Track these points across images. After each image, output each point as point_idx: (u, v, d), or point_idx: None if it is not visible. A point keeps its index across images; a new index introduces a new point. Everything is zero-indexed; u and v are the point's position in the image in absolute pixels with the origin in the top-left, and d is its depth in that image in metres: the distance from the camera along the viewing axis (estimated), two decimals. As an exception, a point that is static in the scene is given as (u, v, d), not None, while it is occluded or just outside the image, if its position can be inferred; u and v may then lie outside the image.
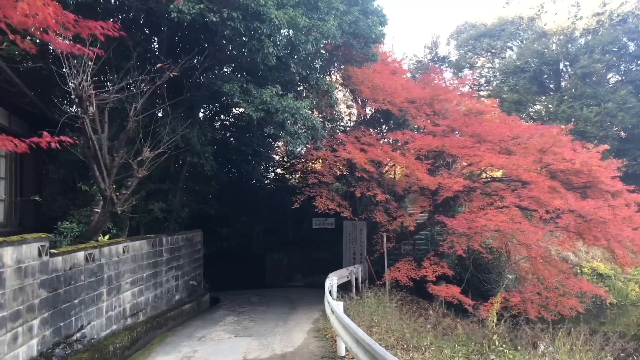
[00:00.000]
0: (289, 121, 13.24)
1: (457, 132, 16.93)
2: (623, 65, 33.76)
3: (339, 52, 16.48)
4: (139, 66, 12.61)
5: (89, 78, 10.98)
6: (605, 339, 13.32)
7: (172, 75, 12.01)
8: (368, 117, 19.83)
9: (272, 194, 28.75)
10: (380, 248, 18.10)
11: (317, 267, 25.45)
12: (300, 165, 26.35)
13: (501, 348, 10.84)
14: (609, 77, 34.14)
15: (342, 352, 10.19)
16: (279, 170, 28.44)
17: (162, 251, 14.53)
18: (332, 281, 14.82)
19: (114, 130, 13.53)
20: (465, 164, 16.96)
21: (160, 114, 14.54)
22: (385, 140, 17.47)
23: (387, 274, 17.68)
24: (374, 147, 16.37)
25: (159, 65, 11.65)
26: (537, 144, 16.77)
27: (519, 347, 11.71)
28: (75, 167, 13.73)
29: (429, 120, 16.99)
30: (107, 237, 12.17)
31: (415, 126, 18.96)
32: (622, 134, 30.46)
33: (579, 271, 25.60)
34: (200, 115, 18.92)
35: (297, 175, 28.63)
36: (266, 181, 28.70)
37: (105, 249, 11.04)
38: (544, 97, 34.33)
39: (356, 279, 19.16)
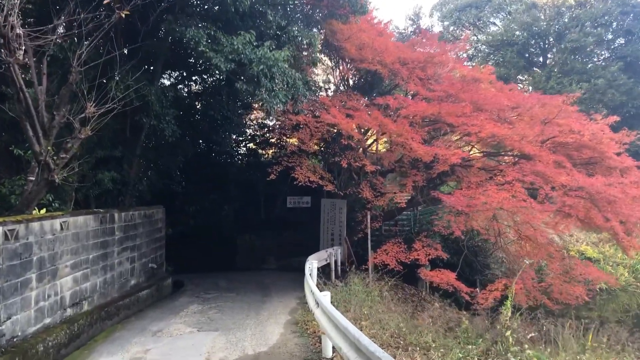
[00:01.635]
0: (265, 76, 11.06)
1: (452, 100, 14.93)
2: (614, 39, 32.11)
3: (322, 3, 14.30)
4: (85, 4, 10.28)
5: (16, 12, 8.78)
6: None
7: (123, 16, 9.72)
8: (355, 81, 17.61)
9: (243, 170, 26.55)
10: (365, 228, 16.10)
11: (291, 249, 23.47)
12: (275, 139, 24.21)
13: (516, 349, 8.96)
14: (599, 52, 32.51)
15: (329, 354, 8.19)
16: (251, 145, 26.18)
17: (114, 229, 12.30)
18: (311, 265, 12.78)
19: (55, 84, 11.29)
20: (462, 134, 14.95)
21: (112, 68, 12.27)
22: (374, 106, 15.36)
23: (373, 257, 15.70)
24: (361, 113, 14.28)
25: (106, 0, 9.37)
26: (540, 115, 14.92)
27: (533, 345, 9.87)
28: (6, 127, 11.42)
29: (422, 85, 14.96)
30: (43, 211, 9.96)
31: (407, 92, 16.88)
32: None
33: (565, 254, 24.08)
34: (167, 82, 16.65)
35: (271, 151, 26.44)
36: (237, 156, 26.44)
37: (35, 225, 8.79)
38: (531, 72, 32.57)
39: (335, 262, 17.21)
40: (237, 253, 24.07)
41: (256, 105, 23.59)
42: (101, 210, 11.75)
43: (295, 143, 16.61)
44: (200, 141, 20.63)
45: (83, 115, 9.97)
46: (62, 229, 9.69)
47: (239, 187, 24.58)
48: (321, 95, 18.64)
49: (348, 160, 15.20)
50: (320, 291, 9.03)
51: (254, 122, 25.44)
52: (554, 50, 32.77)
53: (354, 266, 18.98)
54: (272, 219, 25.00)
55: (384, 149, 17.69)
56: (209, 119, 16.46)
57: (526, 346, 8.96)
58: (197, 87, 17.22)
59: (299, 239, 23.79)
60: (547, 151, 14.28)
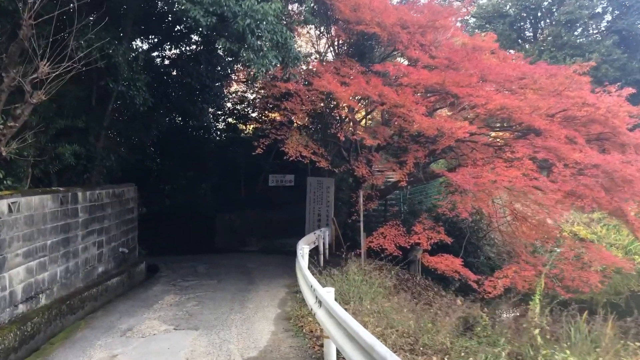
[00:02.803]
0: (252, 32, 9.41)
1: (454, 68, 13.41)
2: (609, 12, 30.75)
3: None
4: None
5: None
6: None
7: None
8: (347, 47, 15.89)
9: (222, 146, 24.89)
10: (358, 208, 14.63)
11: (274, 229, 22.05)
12: (257, 114, 22.59)
13: (549, 352, 7.61)
14: (593, 26, 31.13)
15: (333, 360, 6.75)
16: (230, 120, 24.46)
17: (77, 210, 10.66)
18: (303, 251, 11.32)
19: (4, 39, 9.55)
20: (467, 106, 13.45)
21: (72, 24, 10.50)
22: (371, 73, 13.72)
23: (367, 240, 14.26)
24: (359, 79, 12.69)
25: None
26: (549, 86, 13.52)
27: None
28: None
29: (423, 52, 13.41)
30: (-9, 189, 8.34)
31: (408, 59, 15.25)
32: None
33: (558, 235, 22.99)
34: (139, 46, 14.85)
35: (252, 126, 24.79)
36: (216, 132, 24.74)
37: (-26, 207, 7.17)
38: (523, 46, 31.11)
39: (323, 245, 15.80)
40: (217, 234, 22.50)
41: (239, 74, 21.92)
42: (61, 189, 10.09)
43: (278, 118, 14.90)
44: (176, 114, 18.88)
45: (35, 76, 8.30)
46: (11, 211, 8.04)
47: (218, 164, 22.97)
48: (309, 62, 16.90)
49: (345, 134, 13.68)
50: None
51: (234, 95, 23.70)
52: (547, 22, 31.33)
53: (342, 249, 17.63)
54: (254, 198, 23.46)
55: (372, 124, 16.11)
56: (185, 87, 14.77)
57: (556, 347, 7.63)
58: (173, 51, 15.44)
59: (282, 220, 22.36)
60: (558, 125, 12.93)
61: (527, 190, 11.68)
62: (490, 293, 12.02)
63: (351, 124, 14.99)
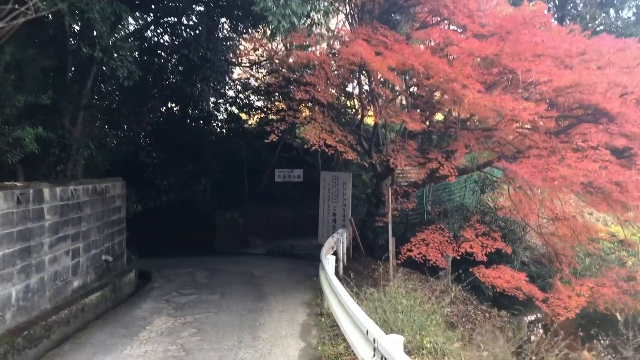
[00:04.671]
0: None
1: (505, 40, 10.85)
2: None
3: None
4: None
5: None
6: None
7: None
8: (380, 12, 13.09)
9: (224, 138, 22.34)
10: (386, 208, 12.08)
11: (280, 229, 19.52)
12: (263, 102, 20.04)
13: None
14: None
15: None
16: (233, 109, 21.84)
17: (43, 211, 8.14)
18: (328, 262, 8.79)
19: None
20: (528, 84, 10.81)
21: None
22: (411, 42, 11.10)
23: (405, 248, 11.74)
24: (402, 46, 10.08)
25: None
26: (620, 61, 10.99)
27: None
28: None
29: (470, 20, 10.84)
30: None
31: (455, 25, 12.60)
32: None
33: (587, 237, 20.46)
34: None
35: (256, 116, 22.20)
36: (217, 122, 22.13)
37: None
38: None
39: (342, 251, 13.27)
40: (217, 234, 19.97)
41: (243, 57, 19.33)
42: (18, 184, 7.56)
43: (299, 96, 12.18)
44: (172, 99, 16.24)
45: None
46: None
47: (219, 158, 20.40)
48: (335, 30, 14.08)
49: (383, 116, 11.09)
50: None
51: (237, 82, 21.07)
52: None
53: (362, 254, 15.14)
54: (258, 195, 20.92)
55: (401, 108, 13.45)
56: (182, 62, 12.20)
57: None
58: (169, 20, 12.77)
59: (290, 218, 19.87)
60: (634, 107, 10.40)
61: (608, 189, 9.12)
62: (561, 315, 9.52)
63: (387, 103, 12.37)
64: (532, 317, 14.96)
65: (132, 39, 10.09)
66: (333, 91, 11.40)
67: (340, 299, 6.59)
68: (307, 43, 10.32)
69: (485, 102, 9.29)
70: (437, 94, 11.41)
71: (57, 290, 8.62)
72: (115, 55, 8.84)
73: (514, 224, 17.02)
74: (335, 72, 10.78)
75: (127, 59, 8.96)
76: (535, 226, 15.03)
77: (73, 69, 9.76)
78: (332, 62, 10.95)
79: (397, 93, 11.70)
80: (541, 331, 12.69)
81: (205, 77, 11.80)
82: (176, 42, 11.96)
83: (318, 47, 11.04)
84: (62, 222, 8.80)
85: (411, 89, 11.72)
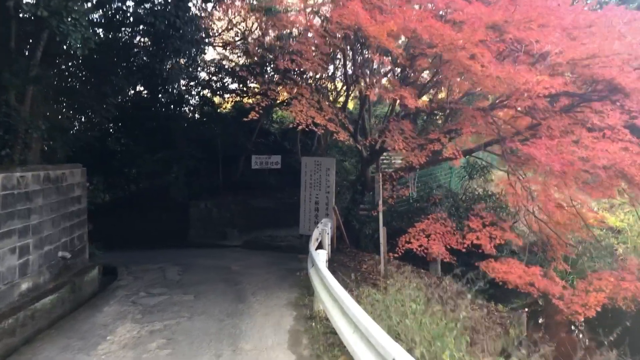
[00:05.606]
0: None
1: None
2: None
3: None
4: None
5: None
6: None
7: None
8: None
9: (197, 124, 20.95)
10: (376, 195, 10.86)
11: (259, 220, 18.18)
12: (238, 84, 18.64)
13: None
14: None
15: None
16: (205, 93, 20.35)
17: (-22, 203, 6.71)
18: (319, 259, 7.53)
19: None
20: (538, 56, 9.59)
21: None
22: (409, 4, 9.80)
23: (402, 240, 10.53)
24: (404, 9, 8.76)
25: None
26: (631, 32, 9.91)
27: None
28: None
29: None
30: None
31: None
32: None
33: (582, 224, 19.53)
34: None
35: (232, 100, 20.76)
36: (189, 106, 20.68)
37: None
38: None
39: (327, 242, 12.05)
40: (191, 224, 18.57)
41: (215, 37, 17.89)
42: (-58, 169, 6.12)
43: (285, 64, 10.63)
44: (139, 80, 14.68)
45: None
46: None
47: (192, 145, 19.01)
48: None
49: (378, 90, 9.80)
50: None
51: (210, 64, 19.56)
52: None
53: (346, 244, 13.98)
54: (234, 183, 19.55)
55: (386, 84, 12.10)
56: (149, 31, 10.74)
57: None
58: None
59: (269, 208, 18.55)
60: (646, 83, 9.33)
61: (632, 172, 8.02)
62: (579, 314, 8.44)
63: (382, 76, 11.08)
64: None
65: (89, 4, 8.63)
66: (321, 65, 10.06)
67: (341, 305, 5.35)
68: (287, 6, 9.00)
69: (498, 73, 8.09)
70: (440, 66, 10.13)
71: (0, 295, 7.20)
72: (68, 19, 7.40)
73: (505, 210, 16.00)
74: (327, 41, 9.45)
75: (79, 22, 7.51)
76: (527, 213, 14.06)
77: (18, 36, 8.25)
78: (320, 28, 9.61)
79: (397, 63, 10.43)
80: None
81: (175, 49, 10.39)
82: (141, 12, 10.49)
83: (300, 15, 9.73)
84: (6, 215, 7.36)
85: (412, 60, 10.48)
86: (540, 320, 11.79)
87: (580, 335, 14.02)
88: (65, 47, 8.54)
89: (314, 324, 7.29)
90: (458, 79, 9.92)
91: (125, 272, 11.89)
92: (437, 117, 16.56)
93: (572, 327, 13.78)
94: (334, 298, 5.74)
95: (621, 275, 9.22)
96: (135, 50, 11.67)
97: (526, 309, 12.86)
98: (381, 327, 4.58)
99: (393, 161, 19.12)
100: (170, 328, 7.43)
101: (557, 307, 10.05)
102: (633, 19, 10.43)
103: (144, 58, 11.99)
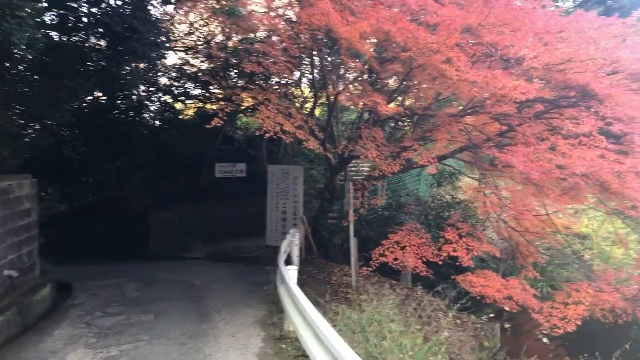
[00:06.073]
0: None
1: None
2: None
3: None
4: None
5: None
6: None
7: None
8: None
9: (158, 131, 20.14)
10: (345, 204, 10.42)
11: (222, 230, 17.54)
12: (200, 91, 18.01)
13: None
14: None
15: None
16: (167, 99, 19.59)
17: None
18: (289, 275, 7.00)
19: None
20: (510, 60, 9.24)
21: None
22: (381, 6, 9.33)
23: (377, 252, 10.08)
24: (378, 10, 8.28)
25: None
26: (603, 37, 9.73)
27: None
28: None
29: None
30: None
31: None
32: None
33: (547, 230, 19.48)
34: None
35: (193, 106, 20.10)
36: (149, 113, 19.86)
37: None
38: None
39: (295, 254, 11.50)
40: (151, 236, 17.77)
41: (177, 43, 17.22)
42: None
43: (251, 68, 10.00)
44: (97, 88, 13.92)
45: None
46: None
47: (153, 152, 18.26)
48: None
49: (350, 96, 9.30)
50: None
51: (171, 68, 18.81)
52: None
53: (314, 255, 13.50)
54: (197, 192, 18.88)
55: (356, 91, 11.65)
56: (105, 34, 10.02)
57: None
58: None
59: (233, 217, 17.92)
60: (620, 88, 9.17)
61: (607, 179, 7.77)
62: (559, 328, 8.13)
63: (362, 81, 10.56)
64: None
65: (41, 4, 7.95)
66: (289, 68, 9.51)
67: (316, 331, 4.84)
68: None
69: (475, 77, 7.74)
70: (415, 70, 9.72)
71: None
72: (9, 17, 6.71)
73: (473, 218, 15.77)
74: (295, 43, 8.94)
75: (26, 21, 6.83)
76: (497, 220, 13.85)
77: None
78: (288, 28, 9.10)
79: (369, 67, 9.98)
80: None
81: (133, 52, 9.72)
82: (96, 12, 9.77)
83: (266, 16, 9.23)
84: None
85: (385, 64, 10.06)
86: (505, 326, 11.48)
87: (547, 341, 13.93)
88: (13, 49, 7.78)
89: (284, 345, 6.77)
90: (431, 84, 9.55)
91: (80, 289, 11.10)
92: (405, 124, 16.27)
93: (540, 335, 13.64)
94: (308, 322, 5.23)
95: (599, 286, 8.98)
96: (91, 53, 10.93)
97: (500, 321, 12.59)
98: (359, 351, 4.11)
99: (361, 168, 18.75)
100: (127, 354, 6.78)
101: (526, 315, 9.82)
102: (603, 24, 10.28)
103: (100, 62, 11.28)
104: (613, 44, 9.31)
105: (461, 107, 10.17)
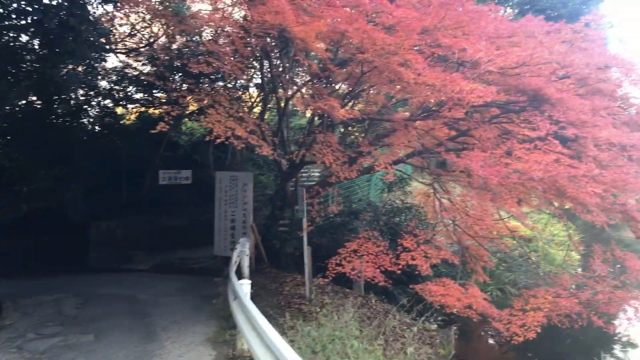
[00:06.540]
0: None
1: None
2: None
3: None
4: None
5: None
6: None
7: None
8: None
9: (97, 137, 19.15)
10: (298, 211, 10.02)
11: (168, 240, 16.77)
12: (143, 95, 17.25)
13: None
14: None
15: None
16: (108, 103, 18.64)
17: None
18: (243, 290, 6.53)
19: None
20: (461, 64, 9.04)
21: None
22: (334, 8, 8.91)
23: (332, 262, 9.69)
24: (337, 10, 7.87)
25: None
26: (549, 44, 9.72)
27: None
28: None
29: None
30: None
31: None
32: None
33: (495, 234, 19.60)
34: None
35: (136, 111, 19.26)
36: (88, 118, 18.87)
37: None
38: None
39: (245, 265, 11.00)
40: (92, 248, 16.81)
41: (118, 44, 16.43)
42: None
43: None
44: (32, 91, 13.01)
45: None
46: None
47: (93, 159, 17.27)
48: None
49: (306, 99, 8.83)
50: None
51: (112, 72, 17.90)
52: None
53: (264, 264, 13.05)
54: (140, 200, 17.94)
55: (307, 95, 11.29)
56: (38, 32, 9.24)
57: None
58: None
59: (179, 227, 17.18)
60: (572, 92, 9.19)
61: (563, 184, 7.69)
62: (519, 336, 7.96)
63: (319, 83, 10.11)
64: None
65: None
66: (240, 68, 9.00)
67: (275, 354, 4.39)
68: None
69: (434, 80, 7.49)
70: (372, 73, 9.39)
71: None
72: None
73: (424, 223, 15.66)
74: (246, 44, 8.45)
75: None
76: (447, 224, 13.77)
77: None
78: (238, 27, 8.61)
79: (325, 69, 9.59)
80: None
81: (69, 52, 8.97)
82: (27, 7, 8.95)
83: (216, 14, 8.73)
84: None
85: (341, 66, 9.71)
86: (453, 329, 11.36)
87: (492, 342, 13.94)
88: None
89: (236, 367, 6.29)
90: (388, 87, 9.28)
91: (12, 308, 10.21)
92: (355, 128, 16.03)
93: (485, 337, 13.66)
94: (266, 344, 4.78)
95: (557, 291, 8.91)
96: (23, 53, 10.08)
97: (452, 327, 12.45)
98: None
99: (312, 174, 18.38)
100: (63, 383, 6.14)
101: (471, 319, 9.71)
102: (551, 30, 10.32)
103: (34, 63, 10.44)
104: (565, 49, 9.29)
105: (419, 112, 9.92)
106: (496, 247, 14.84)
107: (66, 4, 8.73)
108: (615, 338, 13.23)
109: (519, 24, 10.45)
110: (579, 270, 18.57)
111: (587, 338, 13.01)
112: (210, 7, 9.81)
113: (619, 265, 10.00)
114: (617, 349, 13.35)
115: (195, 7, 10.70)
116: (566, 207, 10.51)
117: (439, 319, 11.21)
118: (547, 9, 24.39)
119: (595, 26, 11.18)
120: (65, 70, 11.03)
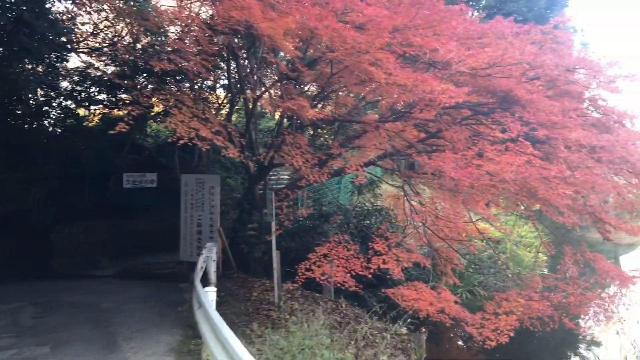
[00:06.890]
0: None
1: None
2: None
3: None
4: None
5: None
6: None
7: None
8: None
9: (59, 139, 18.44)
10: (267, 217, 9.71)
11: (133, 245, 16.36)
12: (106, 96, 16.71)
13: None
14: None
15: None
16: (70, 104, 17.98)
17: None
18: (208, 298, 6.22)
19: None
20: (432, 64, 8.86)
21: None
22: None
23: (301, 268, 9.39)
24: (306, 7, 7.59)
25: None
26: (518, 46, 9.67)
27: None
28: None
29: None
30: None
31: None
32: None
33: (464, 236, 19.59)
34: None
35: (99, 112, 18.67)
36: (50, 119, 18.20)
37: None
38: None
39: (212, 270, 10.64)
40: (54, 253, 16.22)
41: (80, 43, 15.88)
42: None
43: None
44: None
45: None
46: None
47: (54, 162, 16.63)
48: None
49: (275, 99, 8.51)
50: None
51: (74, 71, 17.28)
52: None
53: (233, 270, 12.73)
54: (104, 204, 17.36)
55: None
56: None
57: None
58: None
59: (144, 232, 16.74)
60: (541, 93, 9.14)
61: (535, 185, 7.59)
62: (492, 340, 7.83)
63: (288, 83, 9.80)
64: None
65: None
66: (205, 66, 8.65)
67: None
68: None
69: (406, 80, 7.31)
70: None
71: None
72: None
73: (394, 226, 15.52)
74: (211, 43, 8.13)
75: None
76: (417, 227, 13.64)
77: None
78: (202, 23, 8.28)
79: (293, 68, 9.32)
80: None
81: (25, 49, 8.50)
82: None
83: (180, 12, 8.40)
84: None
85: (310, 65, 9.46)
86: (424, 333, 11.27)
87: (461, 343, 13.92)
88: None
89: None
90: (358, 87, 9.07)
91: (-31, 316, 9.69)
92: (325, 130, 15.81)
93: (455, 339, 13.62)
94: (231, 357, 4.49)
95: (529, 294, 8.83)
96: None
97: (423, 330, 12.32)
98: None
99: (280, 177, 18.10)
100: (15, 400, 5.74)
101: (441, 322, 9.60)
102: (521, 31, 10.29)
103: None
104: (535, 50, 9.25)
105: (389, 114, 9.74)
106: (466, 249, 14.78)
107: (22, -1, 8.30)
108: (580, 337, 13.34)
109: (489, 25, 10.36)
110: (546, 271, 18.71)
111: (554, 338, 13.09)
112: (175, 4, 9.45)
113: (583, 266, 9.99)
114: (582, 348, 13.47)
115: (160, 5, 10.30)
116: (534, 208, 10.46)
117: (409, 321, 11.07)
118: (513, 12, 24.64)
119: (564, 28, 11.18)
120: (22, 68, 10.50)
